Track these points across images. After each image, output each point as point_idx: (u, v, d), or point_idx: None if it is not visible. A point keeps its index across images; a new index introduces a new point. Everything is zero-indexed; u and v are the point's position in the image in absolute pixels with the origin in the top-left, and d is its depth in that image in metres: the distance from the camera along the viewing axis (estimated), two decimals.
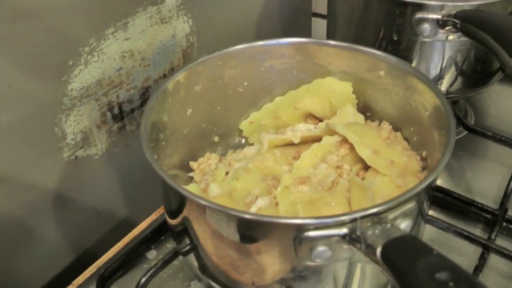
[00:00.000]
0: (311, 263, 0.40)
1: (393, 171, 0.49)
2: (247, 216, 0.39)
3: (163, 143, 0.52)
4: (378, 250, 0.35)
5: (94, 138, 0.59)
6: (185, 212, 0.44)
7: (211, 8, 0.69)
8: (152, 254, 0.59)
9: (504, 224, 0.58)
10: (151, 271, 0.53)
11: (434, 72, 0.65)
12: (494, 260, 0.55)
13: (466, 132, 0.70)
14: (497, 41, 0.49)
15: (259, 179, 0.51)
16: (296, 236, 0.38)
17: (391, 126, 0.56)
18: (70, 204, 0.59)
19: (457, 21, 0.57)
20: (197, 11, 0.66)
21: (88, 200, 0.62)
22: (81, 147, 0.58)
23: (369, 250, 0.36)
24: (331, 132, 0.54)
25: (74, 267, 0.61)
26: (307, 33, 0.93)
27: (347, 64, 0.58)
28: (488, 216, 0.59)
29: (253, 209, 0.47)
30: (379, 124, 0.57)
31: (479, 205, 0.60)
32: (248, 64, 0.58)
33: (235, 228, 0.40)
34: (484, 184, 0.65)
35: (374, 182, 0.49)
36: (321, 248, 0.38)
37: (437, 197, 0.61)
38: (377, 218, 0.38)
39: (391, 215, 0.39)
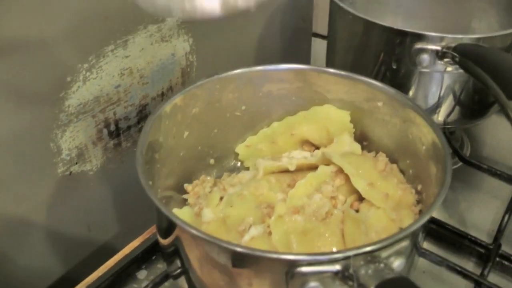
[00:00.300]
0: None
1: (387, 204, 0.49)
2: (238, 249, 0.39)
3: (159, 165, 0.52)
4: None
5: (90, 154, 0.59)
6: (176, 238, 0.44)
7: (211, 27, 0.69)
8: (142, 274, 0.58)
9: (498, 259, 0.58)
10: None
11: (431, 101, 0.65)
12: None
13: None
14: (496, 82, 0.48)
15: (253, 207, 0.51)
16: (288, 271, 0.38)
17: (387, 158, 0.56)
18: (62, 218, 0.59)
19: (456, 55, 0.57)
20: (198, 30, 0.66)
21: (80, 216, 0.61)
22: (76, 163, 0.58)
23: None
24: (327, 161, 0.54)
25: (62, 283, 0.61)
26: (307, 53, 0.93)
27: (346, 92, 0.57)
28: (482, 250, 0.59)
29: (246, 238, 0.47)
30: (376, 155, 0.57)
31: (473, 238, 0.60)
32: (246, 89, 0.58)
33: (227, 260, 0.40)
34: (478, 217, 0.65)
35: (368, 215, 0.49)
36: (313, 284, 0.38)
37: (431, 228, 0.61)
38: (370, 256, 0.38)
39: (385, 253, 0.39)
